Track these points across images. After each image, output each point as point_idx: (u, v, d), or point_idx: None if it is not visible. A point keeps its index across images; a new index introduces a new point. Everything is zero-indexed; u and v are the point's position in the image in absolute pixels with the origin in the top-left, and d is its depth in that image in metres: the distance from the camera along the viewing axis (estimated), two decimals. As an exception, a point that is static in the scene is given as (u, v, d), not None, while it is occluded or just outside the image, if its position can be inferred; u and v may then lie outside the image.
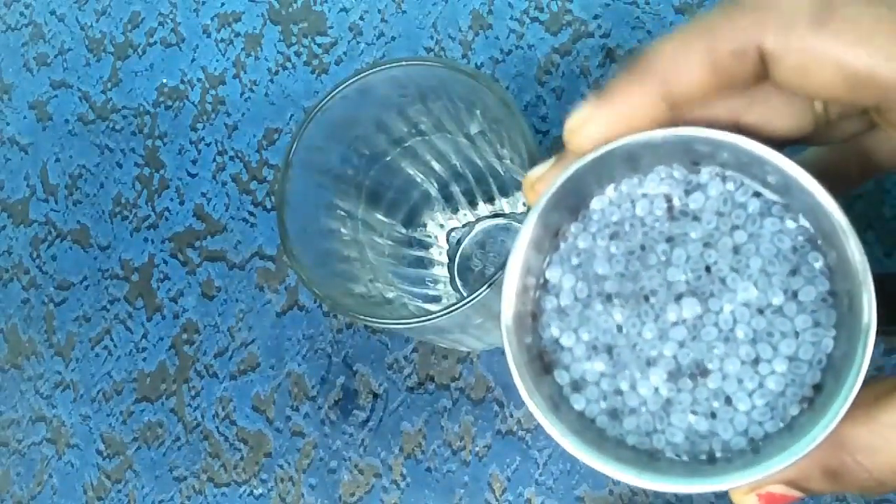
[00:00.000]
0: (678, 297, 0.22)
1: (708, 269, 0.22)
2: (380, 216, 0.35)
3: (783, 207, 0.22)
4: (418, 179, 0.36)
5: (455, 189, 0.37)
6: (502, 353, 0.39)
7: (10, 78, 0.50)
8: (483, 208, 0.38)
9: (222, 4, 0.46)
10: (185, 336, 0.43)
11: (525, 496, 0.37)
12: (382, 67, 0.30)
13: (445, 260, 0.39)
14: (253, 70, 0.45)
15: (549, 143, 0.39)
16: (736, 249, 0.22)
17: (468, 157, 0.35)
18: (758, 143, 0.21)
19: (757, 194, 0.22)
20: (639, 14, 0.39)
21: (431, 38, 0.42)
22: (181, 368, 0.43)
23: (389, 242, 0.36)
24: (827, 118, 0.22)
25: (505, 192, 0.37)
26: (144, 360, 0.43)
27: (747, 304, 0.22)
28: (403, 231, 0.37)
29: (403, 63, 0.29)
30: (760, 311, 0.22)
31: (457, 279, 0.39)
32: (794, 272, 0.22)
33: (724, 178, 0.22)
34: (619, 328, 0.22)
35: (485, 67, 0.41)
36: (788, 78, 0.20)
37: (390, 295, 0.34)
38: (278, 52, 0.45)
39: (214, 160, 0.44)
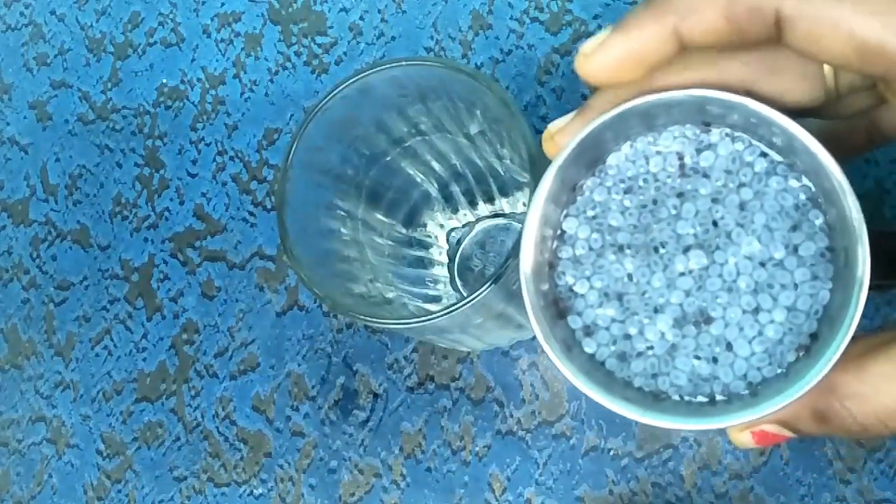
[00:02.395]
0: (686, 249, 0.23)
1: (715, 223, 0.23)
2: (380, 216, 0.35)
3: (787, 167, 0.23)
4: (418, 179, 0.36)
5: (455, 189, 0.37)
6: (502, 352, 0.39)
7: (10, 78, 0.50)
8: (483, 208, 0.38)
9: (222, 4, 0.46)
10: (185, 336, 0.43)
11: (525, 496, 0.37)
12: (382, 67, 0.29)
13: (445, 260, 0.39)
14: (253, 70, 0.45)
15: (549, 143, 0.39)
16: (742, 206, 0.23)
17: (468, 157, 0.35)
18: (766, 105, 0.22)
19: (763, 154, 0.23)
20: (639, 14, 0.39)
21: (431, 38, 0.42)
22: (181, 368, 0.43)
23: (389, 242, 0.36)
24: (837, 92, 0.23)
25: (505, 192, 0.37)
26: (144, 360, 0.43)
27: (750, 257, 0.23)
28: (403, 231, 0.37)
29: (403, 63, 0.29)
30: (762, 264, 0.23)
31: (457, 279, 0.38)
32: (795, 228, 0.23)
33: (733, 139, 0.23)
34: (630, 277, 0.24)
35: (485, 67, 0.41)
36: (801, 42, 0.21)
37: (390, 295, 0.34)
38: (278, 52, 0.45)
39: (214, 160, 0.44)
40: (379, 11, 0.43)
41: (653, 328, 0.23)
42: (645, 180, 0.24)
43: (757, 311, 0.23)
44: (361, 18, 0.44)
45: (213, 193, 0.44)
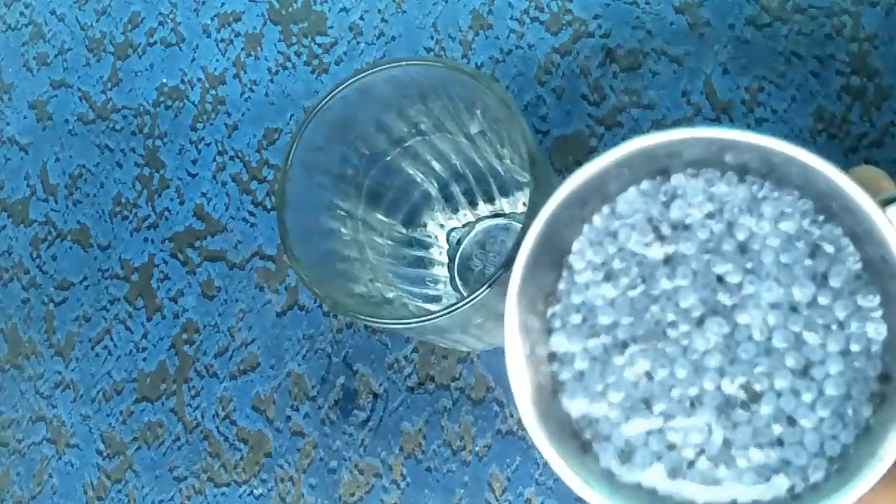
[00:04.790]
0: (699, 321, 0.20)
1: (720, 279, 0.20)
2: (380, 216, 0.35)
3: (775, 185, 0.19)
4: (418, 179, 0.36)
5: (455, 189, 0.37)
6: (503, 352, 0.39)
7: (10, 78, 0.50)
8: (483, 208, 0.38)
9: (222, 4, 0.46)
10: (185, 336, 0.43)
11: (525, 496, 0.37)
12: (382, 67, 0.29)
13: (445, 260, 0.39)
14: (253, 70, 0.45)
15: (549, 143, 0.39)
16: (742, 248, 0.19)
17: (468, 157, 0.35)
18: (714, 127, 0.19)
19: (741, 181, 0.20)
20: (639, 14, 0.39)
21: (431, 38, 0.42)
22: (181, 368, 0.43)
23: (389, 242, 0.36)
24: None
25: (505, 192, 0.37)
26: (144, 360, 0.43)
27: (776, 305, 0.19)
28: (403, 231, 0.37)
29: (403, 63, 0.29)
30: (793, 309, 0.19)
31: (457, 279, 0.38)
32: (813, 254, 0.19)
33: (696, 176, 0.20)
34: (649, 375, 0.20)
35: (485, 67, 0.41)
36: None
37: (390, 295, 0.34)
38: (278, 52, 0.45)
39: (214, 160, 0.44)
40: (379, 11, 0.43)
41: (696, 427, 0.19)
42: (621, 259, 0.20)
43: (807, 368, 0.19)
44: (361, 18, 0.44)
45: (213, 193, 0.44)
